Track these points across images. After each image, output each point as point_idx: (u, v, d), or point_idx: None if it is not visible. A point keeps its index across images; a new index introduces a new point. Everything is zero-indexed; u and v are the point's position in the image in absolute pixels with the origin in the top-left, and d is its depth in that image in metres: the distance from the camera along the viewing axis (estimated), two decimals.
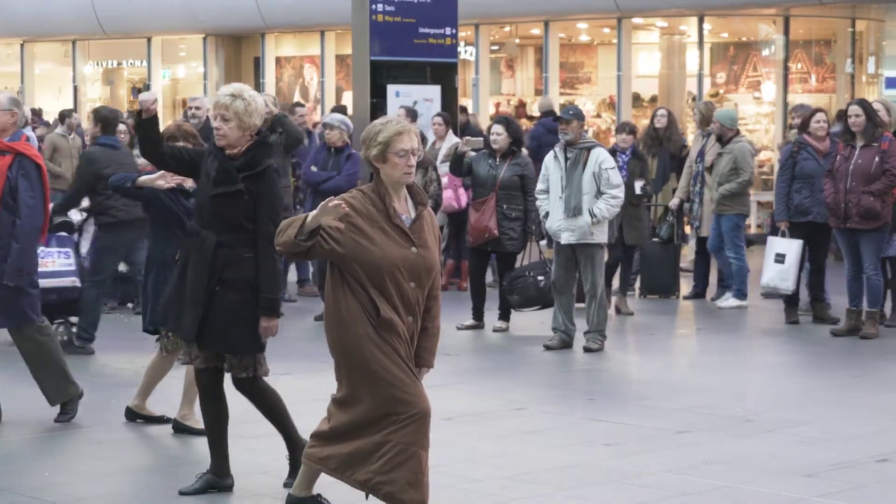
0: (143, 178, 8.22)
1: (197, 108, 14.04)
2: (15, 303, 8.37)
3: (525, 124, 21.42)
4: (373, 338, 5.86)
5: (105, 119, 11.38)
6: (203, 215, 6.80)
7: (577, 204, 11.22)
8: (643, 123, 19.27)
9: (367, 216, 5.90)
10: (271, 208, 6.75)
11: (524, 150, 13.07)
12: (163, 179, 8.10)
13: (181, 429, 8.30)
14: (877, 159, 11.79)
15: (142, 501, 7.00)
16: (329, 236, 5.80)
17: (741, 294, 13.78)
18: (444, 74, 16.06)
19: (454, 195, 14.57)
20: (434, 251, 6.04)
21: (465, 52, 23.15)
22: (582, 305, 11.64)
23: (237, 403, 9.14)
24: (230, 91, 6.78)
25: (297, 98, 25.56)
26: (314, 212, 5.80)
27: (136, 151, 12.14)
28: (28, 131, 19.77)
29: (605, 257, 11.85)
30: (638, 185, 13.51)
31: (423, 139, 13.03)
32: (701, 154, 14.25)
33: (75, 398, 8.58)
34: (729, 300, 13.77)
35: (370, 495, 6.01)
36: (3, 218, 8.28)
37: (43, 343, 8.48)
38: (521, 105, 24.27)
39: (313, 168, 13.24)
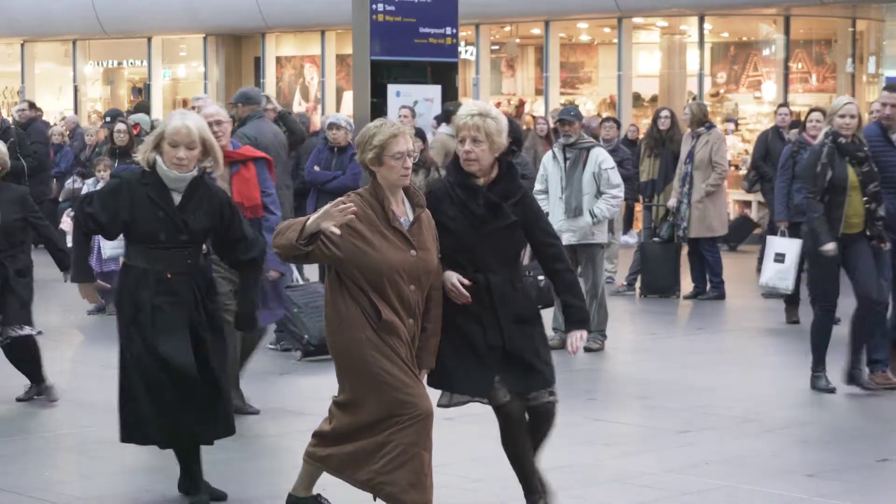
0: None
1: (200, 109, 14.00)
2: None
3: (528, 122, 21.41)
4: (374, 341, 5.85)
5: None
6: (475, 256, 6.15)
7: (577, 204, 11.22)
8: (644, 123, 19.27)
9: (366, 220, 5.87)
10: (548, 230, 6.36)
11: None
12: None
13: None
14: None
15: (141, 501, 7.00)
16: (329, 241, 5.77)
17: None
18: (444, 74, 16.04)
19: None
20: (433, 253, 6.01)
21: (466, 51, 23.14)
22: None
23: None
24: (477, 111, 6.13)
25: (297, 98, 25.56)
26: (315, 215, 5.76)
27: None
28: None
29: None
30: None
31: (424, 139, 13.00)
32: (690, 155, 14.27)
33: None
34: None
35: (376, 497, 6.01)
36: None
37: None
38: (522, 104, 24.27)
39: (316, 168, 13.22)
